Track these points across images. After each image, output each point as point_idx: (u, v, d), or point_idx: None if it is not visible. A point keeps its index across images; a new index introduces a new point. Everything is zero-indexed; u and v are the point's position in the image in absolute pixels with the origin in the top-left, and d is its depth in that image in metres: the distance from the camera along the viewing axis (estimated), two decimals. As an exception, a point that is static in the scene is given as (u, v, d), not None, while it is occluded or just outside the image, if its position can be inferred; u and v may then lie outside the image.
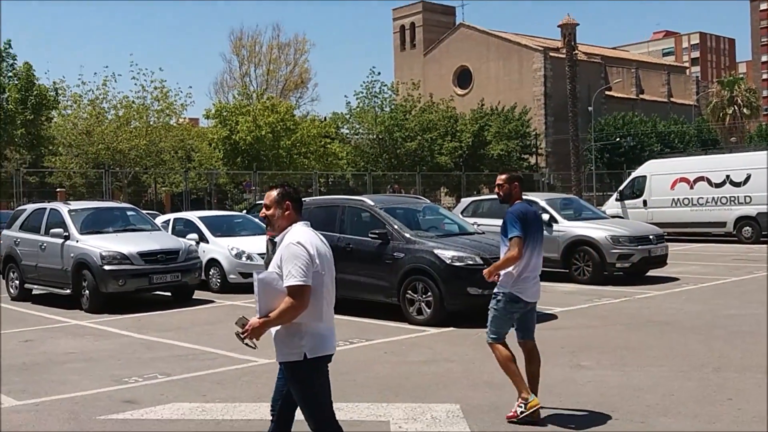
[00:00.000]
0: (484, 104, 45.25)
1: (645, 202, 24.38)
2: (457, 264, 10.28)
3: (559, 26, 79.21)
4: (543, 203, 15.43)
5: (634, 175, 25.92)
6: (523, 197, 6.22)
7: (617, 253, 14.27)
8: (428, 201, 13.64)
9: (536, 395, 5.97)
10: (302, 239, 4.11)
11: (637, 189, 24.85)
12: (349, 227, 11.59)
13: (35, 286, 14.02)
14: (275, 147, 35.67)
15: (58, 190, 41.44)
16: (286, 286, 4.01)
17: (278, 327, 4.14)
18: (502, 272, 5.96)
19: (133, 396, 7.12)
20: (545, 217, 14.95)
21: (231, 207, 37.50)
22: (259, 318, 4.12)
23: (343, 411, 6.45)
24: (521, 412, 5.85)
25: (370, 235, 11.00)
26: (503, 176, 6.11)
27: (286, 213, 4.26)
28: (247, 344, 4.32)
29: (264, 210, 4.31)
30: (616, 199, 24.86)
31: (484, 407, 6.49)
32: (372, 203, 11.58)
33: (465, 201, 17.15)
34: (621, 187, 25.80)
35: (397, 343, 9.35)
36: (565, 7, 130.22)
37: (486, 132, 42.31)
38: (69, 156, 32.69)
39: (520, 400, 5.90)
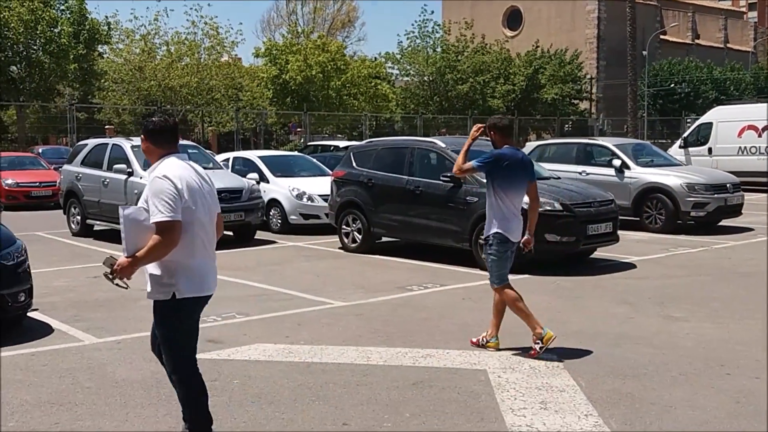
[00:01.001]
0: (539, 46, 43.83)
1: (710, 150, 23.48)
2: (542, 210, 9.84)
3: (614, -34, 76.90)
4: (614, 148, 14.85)
5: (699, 122, 24.94)
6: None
7: (692, 201, 13.70)
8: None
9: (497, 334, 6.38)
10: (169, 173, 3.89)
11: (702, 136, 23.91)
12: (418, 170, 11.23)
13: (97, 222, 13.99)
14: (325, 87, 35.15)
15: (106, 126, 41.72)
16: (152, 223, 3.80)
17: (152, 264, 3.94)
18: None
19: (216, 335, 6.97)
20: (616, 162, 14.44)
21: (276, 148, 37.29)
22: (127, 257, 3.91)
23: (434, 357, 6.24)
24: (540, 348, 6.07)
25: (441, 178, 10.62)
26: (479, 125, 6.43)
27: (144, 147, 4.08)
28: (117, 284, 4.13)
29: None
30: (680, 146, 23.97)
31: (583, 359, 6.18)
32: (444, 145, 11.16)
33: (531, 145, 16.60)
34: (685, 134, 24.87)
35: (473, 290, 9.06)
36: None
37: (540, 75, 41.10)
38: (119, 92, 32.63)
39: (534, 337, 6.11)
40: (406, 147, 11.67)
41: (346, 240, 12.17)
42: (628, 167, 14.40)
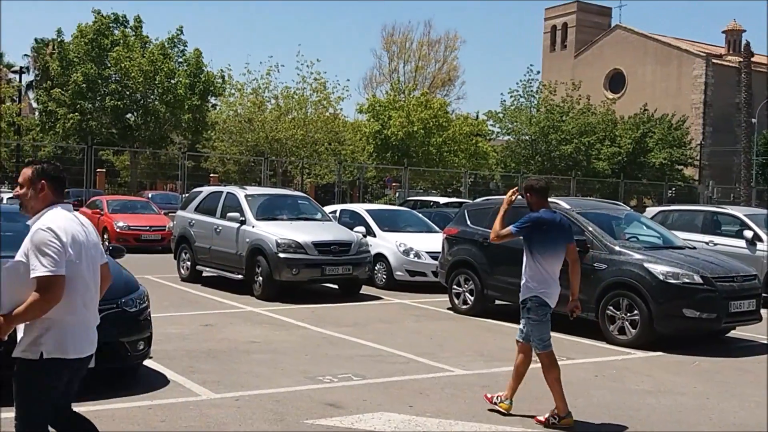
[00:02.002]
0: (647, 109, 42.62)
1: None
2: (672, 281, 9.11)
3: (723, 32, 75.06)
4: (744, 218, 13.87)
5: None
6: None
7: (836, 281, 12.51)
8: (628, 208, 12.47)
9: (512, 397, 6.21)
10: (53, 224, 3.56)
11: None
12: (539, 231, 10.64)
13: (206, 269, 14.00)
14: (426, 143, 35.11)
15: (211, 175, 43.00)
16: (33, 278, 3.43)
17: None
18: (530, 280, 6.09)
19: (335, 398, 6.57)
20: (748, 234, 13.45)
21: (371, 201, 37.38)
22: (2, 314, 3.48)
23: (578, 443, 5.60)
24: (553, 423, 5.97)
25: (566, 241, 10.00)
26: (526, 185, 6.42)
27: (41, 194, 3.72)
28: None
29: (17, 189, 3.77)
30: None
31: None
32: (568, 206, 10.57)
33: (651, 210, 15.76)
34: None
35: (605, 365, 8.35)
36: (730, 12, 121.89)
37: (648, 139, 39.83)
38: (227, 143, 33.56)
39: (554, 411, 6.02)
40: (524, 206, 11.11)
41: (456, 301, 11.66)
42: (760, 239, 13.38)
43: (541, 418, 6.09)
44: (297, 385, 6.99)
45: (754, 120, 50.97)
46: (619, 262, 9.53)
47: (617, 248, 9.69)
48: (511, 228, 6.16)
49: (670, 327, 9.20)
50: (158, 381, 6.93)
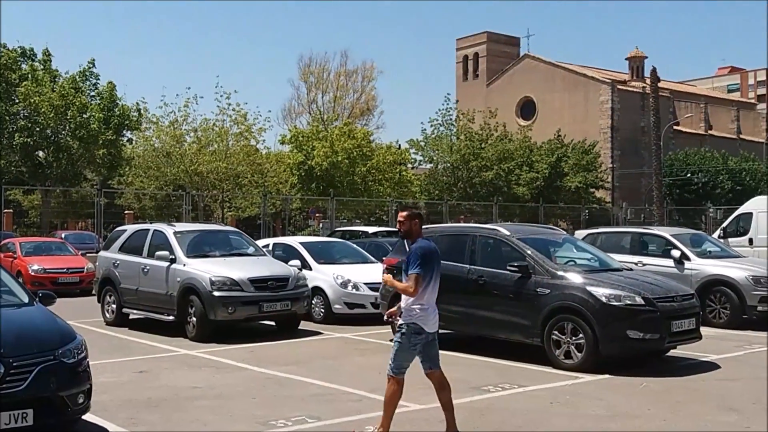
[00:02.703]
0: (559, 135, 43.96)
1: (751, 241, 22.77)
2: (615, 303, 9.22)
3: (627, 59, 78.52)
4: (671, 238, 14.29)
5: (738, 212, 24.37)
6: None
7: (759, 294, 12.99)
8: (565, 232, 12.63)
9: (455, 424, 6.23)
10: None
11: (741, 227, 23.29)
12: (480, 258, 10.64)
13: (134, 311, 13.35)
14: (351, 173, 35.04)
15: (126, 212, 41.58)
16: None
17: None
18: (402, 306, 6.22)
19: (293, 445, 6.25)
20: (675, 253, 13.85)
21: (294, 233, 36.89)
22: None
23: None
24: None
25: (508, 268, 10.02)
26: (405, 213, 6.39)
27: None
28: None
29: None
30: (719, 237, 23.34)
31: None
32: (508, 233, 10.62)
33: (580, 233, 16.05)
34: (724, 225, 24.24)
35: (557, 391, 8.32)
36: (632, 40, 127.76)
37: (563, 164, 41.02)
38: (144, 178, 32.56)
39: (379, 428, 6.19)
40: (466, 234, 11.12)
41: (399, 332, 11.45)
42: (687, 258, 13.79)
43: None
44: (249, 431, 6.64)
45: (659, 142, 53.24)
46: (561, 286, 9.58)
47: (559, 272, 9.75)
48: (415, 273, 6.09)
49: (615, 349, 9.28)
50: (99, 436, 6.45)
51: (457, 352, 10.54)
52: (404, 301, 6.22)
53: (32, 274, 19.24)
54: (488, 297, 10.30)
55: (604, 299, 9.23)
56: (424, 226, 12.98)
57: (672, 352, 10.30)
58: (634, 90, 72.04)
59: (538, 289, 9.71)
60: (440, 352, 10.63)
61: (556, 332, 9.50)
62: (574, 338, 9.35)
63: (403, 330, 6.18)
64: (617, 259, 13.20)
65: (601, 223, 35.90)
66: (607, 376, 9.01)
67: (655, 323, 9.19)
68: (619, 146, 70.48)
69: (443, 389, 6.36)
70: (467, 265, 10.62)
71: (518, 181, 38.79)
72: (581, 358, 9.26)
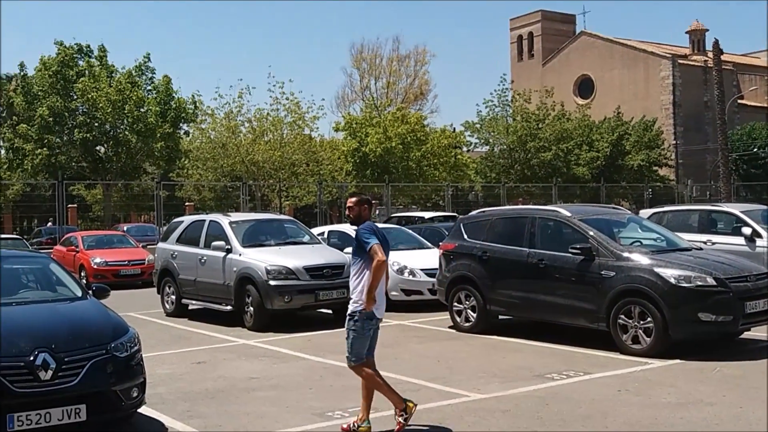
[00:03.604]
0: (619, 112, 42.73)
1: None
2: (685, 285, 8.75)
3: (687, 32, 75.97)
4: (742, 215, 13.60)
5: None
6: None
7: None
8: (629, 212, 12.13)
9: (368, 412, 6.16)
10: None
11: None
12: (540, 241, 10.26)
13: (192, 302, 13.41)
14: (405, 159, 34.76)
15: (186, 204, 42.20)
16: None
17: None
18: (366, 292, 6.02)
19: (350, 437, 6.06)
20: (746, 231, 13.18)
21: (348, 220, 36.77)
22: None
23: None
24: (405, 419, 6.07)
25: (570, 250, 9.63)
26: (353, 199, 6.39)
27: None
28: None
29: None
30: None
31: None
32: (569, 214, 10.21)
33: (645, 212, 15.45)
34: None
35: (625, 378, 7.94)
36: (692, 13, 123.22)
37: (625, 141, 39.85)
38: (202, 170, 32.93)
39: (398, 411, 6.11)
40: (525, 216, 10.75)
41: (458, 319, 11.20)
42: (759, 235, 13.11)
43: (345, 426, 6.18)
44: (307, 423, 6.50)
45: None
46: (627, 268, 9.15)
47: (625, 254, 9.32)
48: (374, 242, 5.99)
49: (685, 333, 8.83)
50: (155, 430, 6.38)
51: (519, 339, 10.24)
52: (353, 285, 6.18)
53: (95, 267, 19.59)
54: (549, 281, 9.94)
55: (673, 281, 8.78)
56: (480, 210, 12.77)
57: (746, 335, 9.78)
58: (696, 64, 69.60)
59: (602, 272, 9.30)
60: (501, 338, 10.48)
61: (622, 316, 9.09)
62: (642, 322, 8.92)
63: (356, 317, 6.13)
64: (685, 238, 12.67)
65: (665, 202, 34.82)
66: (677, 361, 8.58)
67: (727, 305, 8.69)
68: (681, 122, 68.43)
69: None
70: (527, 249, 10.28)
71: (578, 161, 37.86)
72: (650, 343, 8.84)
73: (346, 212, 6.52)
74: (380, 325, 6.50)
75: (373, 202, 31.62)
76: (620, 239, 10.05)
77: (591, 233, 9.65)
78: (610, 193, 36.66)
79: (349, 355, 6.20)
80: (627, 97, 68.17)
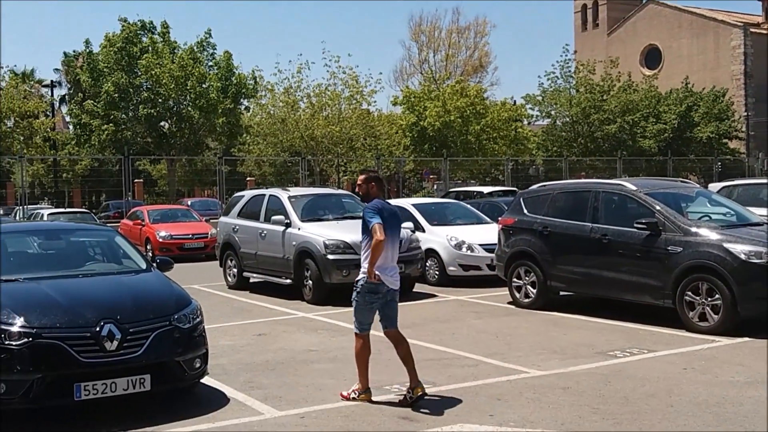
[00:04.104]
0: (688, 83, 41.25)
1: None
2: (755, 261, 8.42)
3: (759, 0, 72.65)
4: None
5: None
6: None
7: None
8: (698, 186, 11.74)
9: (417, 378, 6.28)
10: None
11: None
12: (604, 215, 10.02)
13: (253, 275, 13.61)
14: (464, 132, 34.37)
15: (248, 179, 42.76)
16: None
17: None
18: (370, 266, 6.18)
19: (407, 411, 6.07)
20: None
21: (408, 195, 36.73)
22: None
23: (688, 452, 5.00)
24: (353, 398, 6.28)
25: (635, 225, 9.37)
26: (362, 176, 6.51)
27: None
28: None
29: None
30: None
31: None
32: (634, 187, 9.93)
33: (714, 186, 14.95)
34: None
35: (691, 356, 7.72)
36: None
37: (694, 113, 38.47)
38: (263, 145, 33.27)
39: (358, 386, 6.31)
40: (588, 191, 10.49)
41: (517, 294, 11.07)
42: None
43: (345, 393, 6.38)
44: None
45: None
46: (695, 244, 8.86)
47: (692, 229, 9.03)
48: (374, 222, 6.13)
49: (755, 310, 8.52)
50: (217, 400, 6.49)
51: (582, 315, 10.06)
52: (362, 261, 6.33)
53: (160, 240, 20.07)
54: (613, 257, 9.71)
55: (743, 257, 8.47)
56: (541, 184, 12.52)
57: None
58: (768, 32, 66.64)
59: (669, 248, 9.04)
60: (561, 314, 10.32)
61: (689, 293, 8.83)
62: (709, 299, 8.65)
63: (358, 289, 6.31)
64: (757, 213, 12.20)
65: (735, 176, 33.61)
66: (745, 339, 8.31)
67: (801, 282, 8.33)
68: (753, 93, 65.86)
69: (400, 344, 6.46)
70: (589, 224, 10.06)
71: (644, 134, 36.73)
72: (718, 321, 8.58)
73: (356, 189, 6.66)
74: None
75: (431, 176, 31.44)
76: (688, 214, 9.75)
77: (657, 207, 9.37)
78: (677, 166, 35.55)
79: (354, 322, 6.41)
80: (696, 67, 65.85)
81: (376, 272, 6.18)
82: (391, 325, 6.46)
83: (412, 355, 6.41)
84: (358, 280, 6.33)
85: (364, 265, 6.25)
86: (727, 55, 67.16)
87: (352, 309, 6.36)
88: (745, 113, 61.25)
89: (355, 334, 6.40)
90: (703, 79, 53.31)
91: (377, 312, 6.41)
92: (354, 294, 6.35)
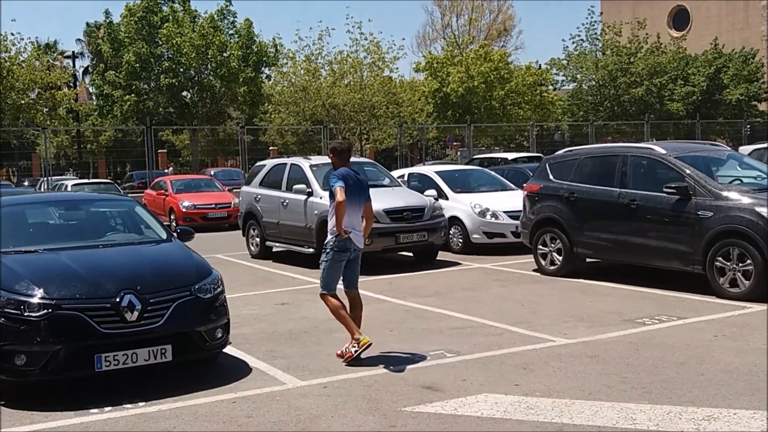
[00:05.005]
0: (717, 44, 40.21)
1: None
2: (789, 225, 8.18)
3: (793, -45, 70.41)
4: None
5: None
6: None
7: None
8: (728, 148, 11.43)
9: (359, 332, 6.54)
10: None
11: None
12: (632, 181, 9.78)
13: (276, 244, 13.57)
14: (488, 98, 33.86)
15: (270, 148, 42.68)
16: None
17: None
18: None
19: (431, 380, 5.97)
20: None
21: (432, 162, 36.39)
22: None
23: (720, 421, 4.87)
24: (355, 351, 6.46)
25: (665, 190, 9.13)
26: (330, 148, 7.03)
27: None
28: None
29: None
30: None
31: None
32: (663, 151, 9.66)
33: (745, 149, 14.57)
34: None
35: (722, 323, 7.54)
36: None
37: (723, 75, 37.54)
38: (285, 114, 33.08)
39: (353, 341, 6.49)
40: (616, 155, 10.24)
41: (543, 262, 10.90)
42: None
43: (339, 352, 6.59)
44: (388, 365, 6.42)
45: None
46: (726, 208, 8.62)
47: (723, 193, 8.78)
48: (336, 186, 6.49)
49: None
50: (240, 370, 6.46)
51: (609, 282, 9.89)
52: (329, 223, 6.65)
53: (183, 210, 20.12)
54: (642, 222, 9.50)
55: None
56: (567, 149, 12.26)
57: None
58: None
59: (699, 212, 8.81)
60: (588, 281, 10.15)
61: (720, 258, 8.62)
62: (740, 265, 8.44)
63: (327, 249, 6.61)
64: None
65: (765, 138, 32.83)
66: (776, 305, 8.10)
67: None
68: (784, 54, 64.35)
69: (356, 307, 6.77)
70: (617, 189, 9.84)
71: (672, 97, 35.90)
72: (749, 287, 8.37)
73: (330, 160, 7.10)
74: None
75: (455, 143, 31.11)
76: (719, 178, 9.48)
77: (687, 171, 9.12)
78: (705, 129, 34.76)
79: (321, 284, 6.69)
80: (725, 28, 64.24)
81: (346, 228, 6.49)
82: (352, 285, 6.80)
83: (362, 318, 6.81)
84: (327, 242, 6.62)
85: (332, 228, 6.57)
86: (757, 15, 65.38)
87: (324, 270, 6.65)
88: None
89: (323, 295, 6.66)
90: (732, 40, 51.95)
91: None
92: (323, 255, 6.67)
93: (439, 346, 7.04)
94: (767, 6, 64.31)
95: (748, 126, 35.90)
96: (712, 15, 67.37)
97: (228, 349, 6.72)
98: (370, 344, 6.50)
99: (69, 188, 22.19)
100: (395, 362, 6.51)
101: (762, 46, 61.29)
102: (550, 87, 39.14)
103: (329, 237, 6.63)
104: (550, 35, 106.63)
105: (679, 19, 70.10)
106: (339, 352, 6.62)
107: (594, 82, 36.28)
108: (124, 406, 5.53)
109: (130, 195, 19.50)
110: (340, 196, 6.43)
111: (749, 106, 38.52)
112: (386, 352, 6.85)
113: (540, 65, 39.32)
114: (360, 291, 9.94)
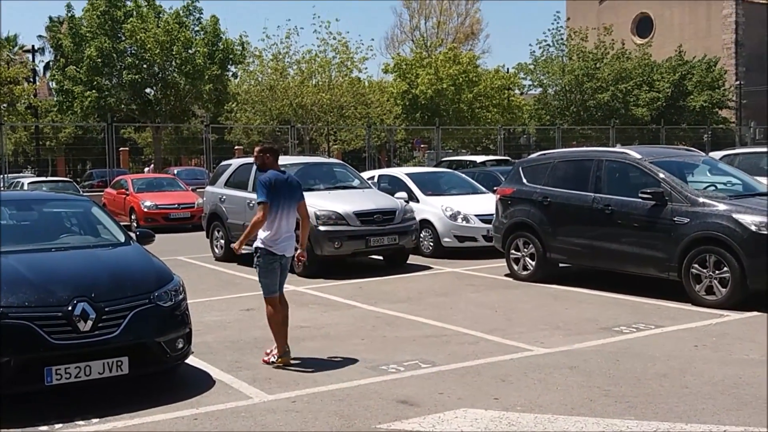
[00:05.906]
0: (680, 52, 40.71)
1: None
2: (766, 232, 8.06)
3: (754, -35, 71.86)
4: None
5: None
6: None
7: None
8: (703, 153, 11.34)
9: (287, 346, 6.56)
10: None
11: None
12: (607, 185, 9.61)
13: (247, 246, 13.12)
14: (456, 101, 33.73)
15: (236, 147, 42.05)
16: None
17: None
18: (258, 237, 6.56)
19: (407, 393, 5.68)
20: None
21: (399, 165, 36.18)
22: None
23: (710, 440, 4.64)
24: (272, 363, 6.50)
25: (640, 195, 8.98)
26: (257, 148, 6.79)
27: None
28: None
29: None
30: None
31: None
32: (639, 156, 9.51)
33: (715, 155, 14.54)
34: None
35: (701, 332, 7.38)
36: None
37: (687, 82, 38.01)
38: (250, 113, 32.54)
39: (278, 352, 6.53)
40: (591, 159, 10.07)
41: (515, 267, 10.69)
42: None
43: (266, 359, 6.57)
44: (359, 377, 6.11)
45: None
46: (702, 215, 8.49)
47: (700, 199, 8.64)
48: (261, 200, 6.44)
49: (765, 283, 8.16)
50: (202, 382, 6.08)
51: (583, 288, 9.70)
52: (260, 231, 6.57)
53: (145, 210, 19.54)
54: (616, 228, 9.34)
55: (753, 228, 8.10)
56: (541, 152, 12.09)
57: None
58: (760, 2, 66.27)
59: (675, 218, 8.66)
60: (561, 287, 9.95)
61: (696, 265, 8.48)
62: (717, 272, 8.30)
63: (258, 254, 6.60)
64: (759, 182, 11.81)
65: (725, 145, 33.28)
66: (754, 313, 7.99)
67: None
68: (744, 63, 65.50)
69: (283, 308, 6.71)
70: (592, 194, 9.67)
71: (637, 102, 36.24)
72: (726, 294, 8.24)
73: (254, 161, 6.89)
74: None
75: (422, 146, 30.82)
76: (693, 183, 9.37)
77: (662, 176, 8.98)
78: (669, 135, 35.16)
79: (262, 288, 6.66)
80: (687, 36, 65.20)
81: (240, 249, 6.81)
82: (279, 290, 6.76)
83: (288, 323, 6.68)
84: (256, 247, 6.60)
85: (261, 232, 6.51)
86: (719, 24, 66.63)
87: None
88: (737, 82, 60.87)
89: (265, 299, 6.61)
90: (695, 48, 52.70)
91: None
92: (255, 260, 6.64)
93: (413, 355, 6.75)
94: (732, 14, 65.60)
95: (710, 132, 36.41)
96: (675, 23, 68.39)
97: (190, 360, 6.32)
98: (289, 364, 6.46)
99: (25, 186, 21.45)
100: (368, 374, 6.20)
101: (723, 54, 62.50)
102: (517, 91, 39.22)
103: (257, 242, 6.56)
104: (517, 39, 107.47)
105: (643, 26, 71.05)
106: (266, 351, 6.65)
107: (560, 87, 36.43)
108: (77, 423, 5.13)
109: (89, 194, 18.88)
110: (260, 214, 6.42)
111: (712, 113, 39.06)
112: (358, 363, 6.54)
113: (507, 69, 39.38)
114: (327, 296, 9.80)
